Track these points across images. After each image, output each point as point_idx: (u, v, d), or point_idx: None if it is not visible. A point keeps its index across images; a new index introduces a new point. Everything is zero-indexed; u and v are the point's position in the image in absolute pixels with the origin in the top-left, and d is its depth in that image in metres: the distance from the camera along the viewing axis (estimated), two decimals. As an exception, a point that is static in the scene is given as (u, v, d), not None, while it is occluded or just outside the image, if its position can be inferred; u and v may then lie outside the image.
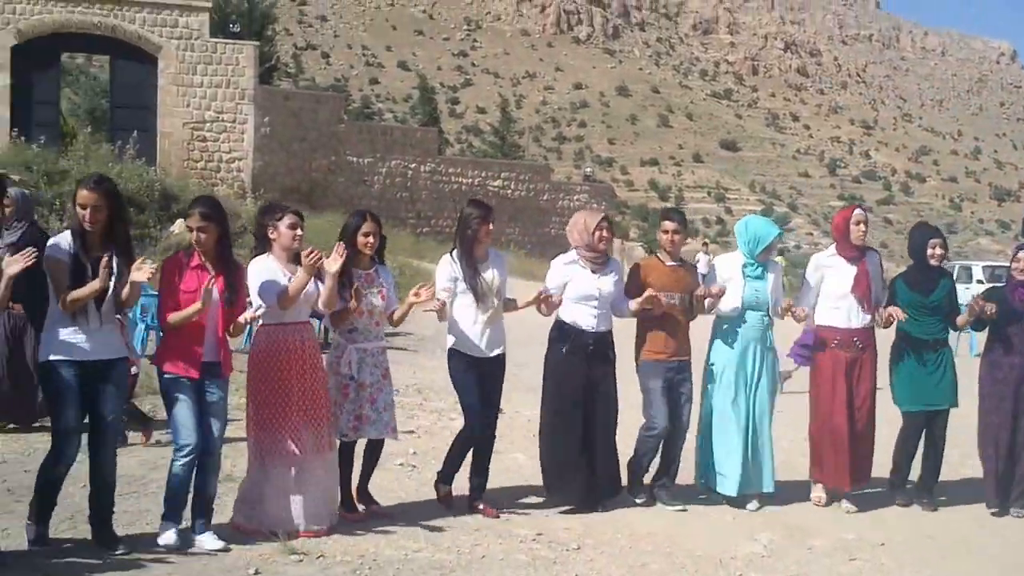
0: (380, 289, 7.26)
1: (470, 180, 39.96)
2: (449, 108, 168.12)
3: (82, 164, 25.27)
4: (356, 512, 7.37)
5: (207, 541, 6.48)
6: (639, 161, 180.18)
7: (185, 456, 6.40)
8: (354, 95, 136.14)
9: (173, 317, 6.32)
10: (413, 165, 38.14)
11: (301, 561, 6.39)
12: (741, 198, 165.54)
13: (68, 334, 6.08)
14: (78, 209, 6.11)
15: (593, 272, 7.83)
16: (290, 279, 6.72)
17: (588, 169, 78.92)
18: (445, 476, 7.76)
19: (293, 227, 6.76)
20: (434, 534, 7.12)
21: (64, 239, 6.14)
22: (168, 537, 6.42)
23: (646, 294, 7.74)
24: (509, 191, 40.69)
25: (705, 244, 28.34)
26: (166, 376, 6.45)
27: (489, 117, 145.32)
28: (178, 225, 23.11)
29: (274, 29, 51.05)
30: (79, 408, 6.17)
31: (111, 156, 26.72)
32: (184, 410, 6.40)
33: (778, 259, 9.63)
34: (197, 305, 6.20)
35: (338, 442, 7.21)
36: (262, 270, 6.79)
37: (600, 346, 7.84)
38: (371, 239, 7.19)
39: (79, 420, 6.19)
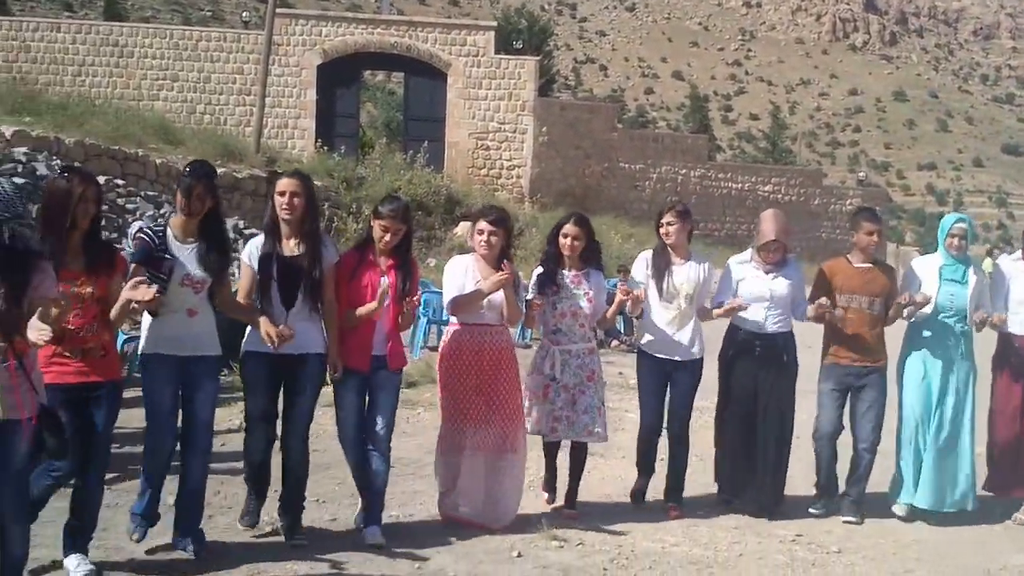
0: (587, 292, 6.87)
1: (740, 185, 39.36)
2: (722, 115, 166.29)
3: (377, 172, 26.38)
4: (549, 505, 7.15)
5: (369, 535, 6.30)
6: (916, 166, 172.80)
7: (344, 451, 6.34)
8: (629, 105, 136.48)
9: (350, 316, 6.12)
10: (683, 171, 37.91)
11: (561, 547, 6.41)
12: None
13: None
14: (276, 197, 5.93)
15: (767, 273, 7.29)
16: (478, 282, 6.54)
17: (862, 174, 76.44)
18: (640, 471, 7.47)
19: (481, 233, 6.55)
20: (692, 530, 6.94)
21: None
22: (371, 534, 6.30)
23: (817, 303, 7.16)
24: (779, 195, 39.78)
25: (992, 251, 26.75)
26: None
27: (761, 124, 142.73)
28: (461, 227, 23.83)
29: (555, 44, 51.74)
30: (269, 396, 6.07)
31: (403, 164, 27.67)
32: (349, 404, 6.28)
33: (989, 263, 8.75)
34: (372, 305, 6.01)
35: (538, 440, 7.08)
36: (456, 270, 6.65)
37: (770, 349, 7.29)
38: (571, 241, 6.79)
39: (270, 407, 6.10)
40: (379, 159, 27.92)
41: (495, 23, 32.56)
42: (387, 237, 6.15)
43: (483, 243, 6.51)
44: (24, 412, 4.63)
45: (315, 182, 18.29)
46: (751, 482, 7.31)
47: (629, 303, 6.91)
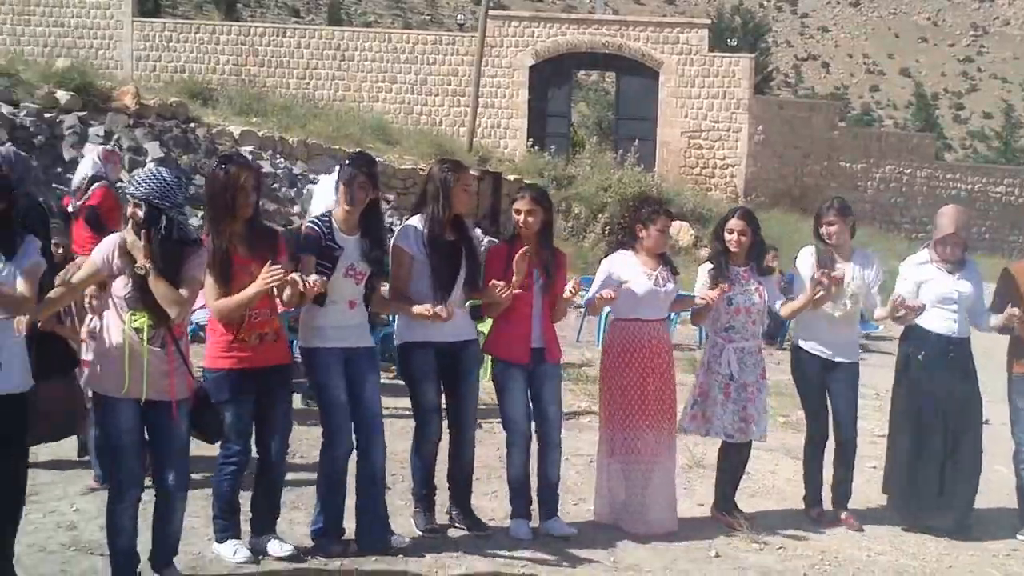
0: (757, 287, 6.71)
1: (969, 186, 37.64)
2: (953, 114, 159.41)
3: (587, 170, 26.53)
4: (727, 518, 6.85)
5: (556, 528, 6.32)
6: None
7: (514, 448, 6.29)
8: (853, 103, 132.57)
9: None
10: (908, 171, 36.51)
11: (761, 550, 6.34)
12: None
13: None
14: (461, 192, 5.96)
15: (950, 273, 6.88)
16: (655, 279, 6.48)
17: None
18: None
19: (663, 231, 6.51)
20: (898, 538, 6.74)
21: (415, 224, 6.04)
22: (519, 529, 6.29)
23: (1006, 313, 6.65)
24: (1012, 197, 37.90)
25: None
26: (497, 364, 6.34)
27: (994, 122, 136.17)
28: (672, 226, 23.70)
29: (773, 41, 50.80)
30: (437, 387, 6.06)
31: (613, 163, 27.73)
32: (517, 397, 6.23)
33: None
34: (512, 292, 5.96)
35: (721, 441, 6.85)
36: (618, 265, 6.56)
37: (960, 355, 6.90)
38: (737, 236, 6.64)
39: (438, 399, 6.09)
40: (589, 158, 28.05)
41: (709, 21, 32.21)
42: (528, 220, 6.11)
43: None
44: (176, 394, 4.89)
45: (527, 181, 18.84)
46: (934, 497, 6.87)
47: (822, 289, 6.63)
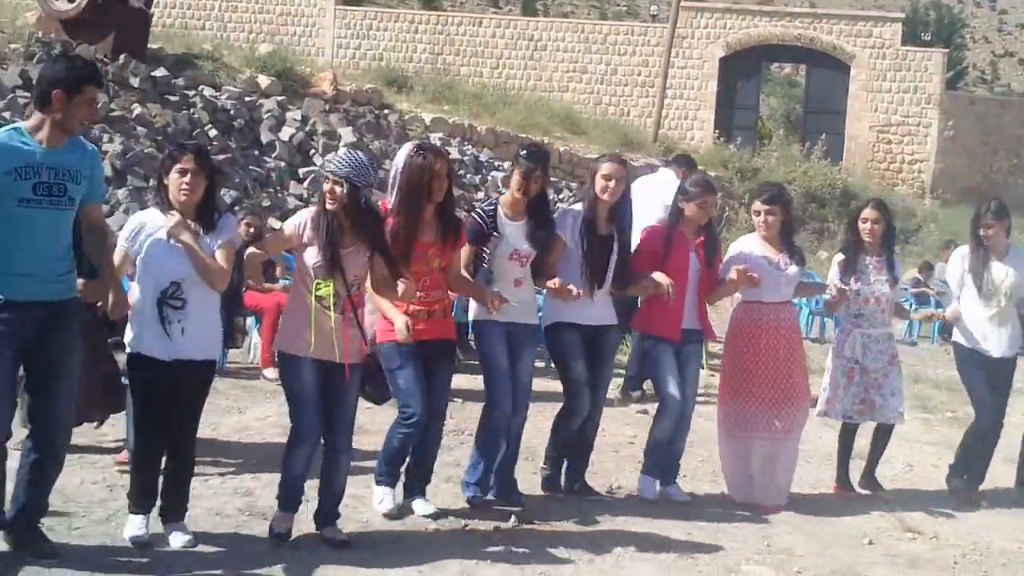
0: (888, 278, 6.89)
1: None
2: None
3: (773, 163, 25.60)
4: (852, 491, 7.13)
5: (674, 492, 6.65)
6: None
7: (666, 417, 6.51)
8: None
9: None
10: (1106, 170, 34.03)
11: (914, 539, 6.31)
12: None
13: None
14: (599, 180, 6.14)
15: None
16: (777, 263, 6.61)
17: None
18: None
19: (758, 213, 6.63)
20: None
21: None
22: (649, 488, 6.58)
23: None
24: None
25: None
26: (648, 339, 6.66)
27: None
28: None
29: (970, 37, 48.26)
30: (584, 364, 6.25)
31: (800, 156, 26.69)
32: (669, 369, 6.46)
33: None
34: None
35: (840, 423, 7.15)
36: (745, 247, 6.72)
37: None
38: (870, 225, 6.86)
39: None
40: (775, 150, 27.07)
41: (903, 14, 30.61)
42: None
43: (762, 223, 6.59)
44: (350, 357, 5.21)
45: (711, 173, 18.18)
46: None
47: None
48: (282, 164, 14.39)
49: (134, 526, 5.10)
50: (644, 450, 6.69)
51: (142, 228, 5.07)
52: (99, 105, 5.31)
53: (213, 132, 13.94)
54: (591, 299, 6.16)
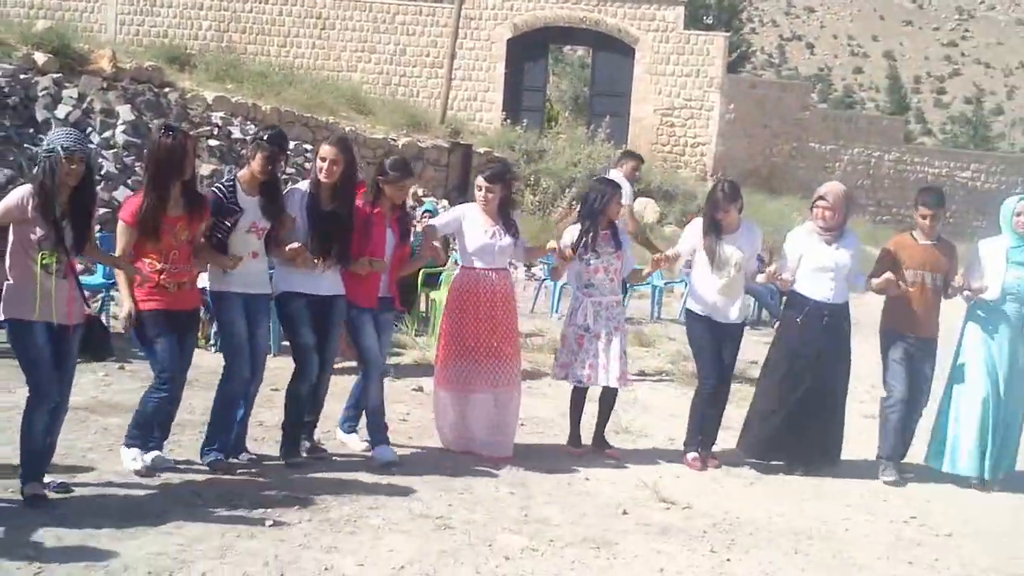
0: (617, 251, 7.83)
1: (936, 170, 38.03)
2: (935, 98, 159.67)
3: (558, 145, 26.80)
4: (580, 448, 7.99)
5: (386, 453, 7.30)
6: None
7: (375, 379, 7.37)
8: (836, 84, 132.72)
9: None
10: (877, 153, 36.86)
11: (668, 509, 6.74)
12: None
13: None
14: (318, 161, 6.85)
15: (828, 244, 7.71)
16: (492, 233, 7.53)
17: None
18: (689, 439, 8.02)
19: (479, 189, 7.51)
20: (798, 499, 7.18)
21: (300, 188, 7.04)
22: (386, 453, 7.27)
23: (883, 276, 7.68)
24: (978, 182, 38.32)
25: None
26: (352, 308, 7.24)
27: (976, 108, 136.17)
28: (637, 203, 24.04)
29: (759, 20, 50.81)
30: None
31: (583, 138, 27.97)
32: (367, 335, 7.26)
33: None
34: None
35: (573, 386, 7.91)
36: (464, 218, 7.64)
37: (835, 318, 7.74)
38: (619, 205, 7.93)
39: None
40: (561, 132, 28.28)
41: (686, -1, 32.43)
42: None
43: (482, 198, 7.52)
44: (73, 319, 5.87)
45: (496, 154, 19.17)
46: (795, 436, 7.80)
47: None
48: (59, 143, 14.63)
49: None
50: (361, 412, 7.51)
51: None
52: None
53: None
54: (320, 271, 6.82)
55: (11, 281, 5.70)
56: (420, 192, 18.74)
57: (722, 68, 31.75)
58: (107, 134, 15.36)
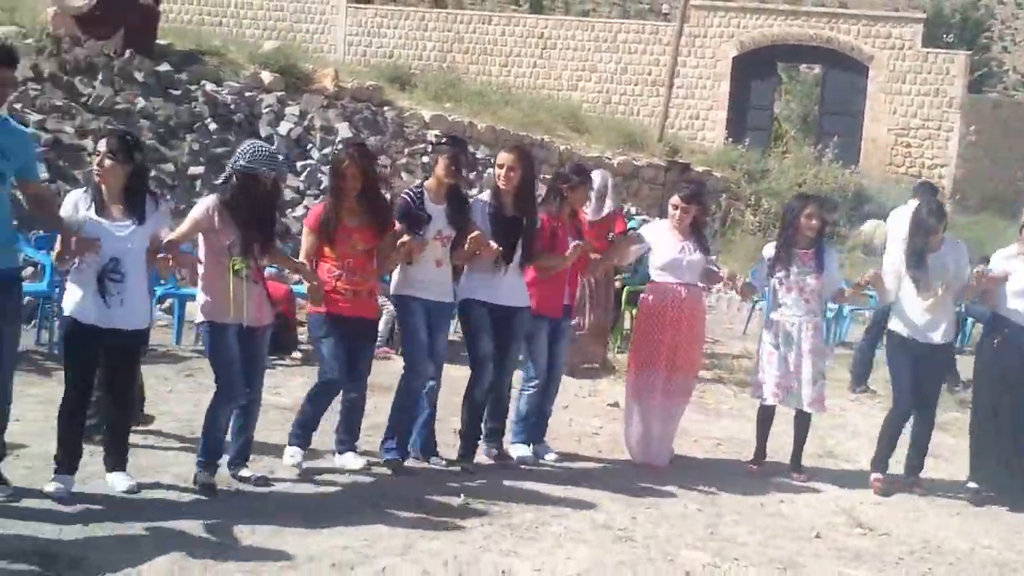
0: (814, 270, 7.71)
1: None
2: None
3: (783, 164, 26.38)
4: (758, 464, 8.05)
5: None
6: None
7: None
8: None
9: None
10: None
11: (864, 535, 6.67)
12: None
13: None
14: (496, 169, 7.06)
15: None
16: (682, 248, 7.70)
17: None
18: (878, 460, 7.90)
19: (501, 167, 7.23)
20: (1007, 532, 6.95)
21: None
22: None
23: None
24: None
25: None
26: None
27: None
28: (868, 224, 23.38)
29: (990, 38, 48.67)
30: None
31: (810, 158, 27.45)
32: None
33: None
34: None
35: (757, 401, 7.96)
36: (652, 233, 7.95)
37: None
38: (812, 222, 7.66)
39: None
40: (786, 152, 27.81)
41: (924, 15, 31.36)
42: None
43: (676, 217, 7.66)
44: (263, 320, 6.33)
45: (716, 174, 19.22)
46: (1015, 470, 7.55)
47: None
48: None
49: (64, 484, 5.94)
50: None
51: (76, 205, 5.85)
52: (14, 87, 6.22)
53: (213, 126, 15.08)
54: (501, 276, 7.04)
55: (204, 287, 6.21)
56: (633, 210, 18.77)
57: (963, 87, 30.55)
58: (326, 150, 16.10)
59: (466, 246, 6.84)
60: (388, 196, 7.40)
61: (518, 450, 7.60)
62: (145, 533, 5.54)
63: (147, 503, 6.00)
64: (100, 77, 14.97)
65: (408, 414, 7.03)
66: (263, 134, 15.54)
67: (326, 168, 15.35)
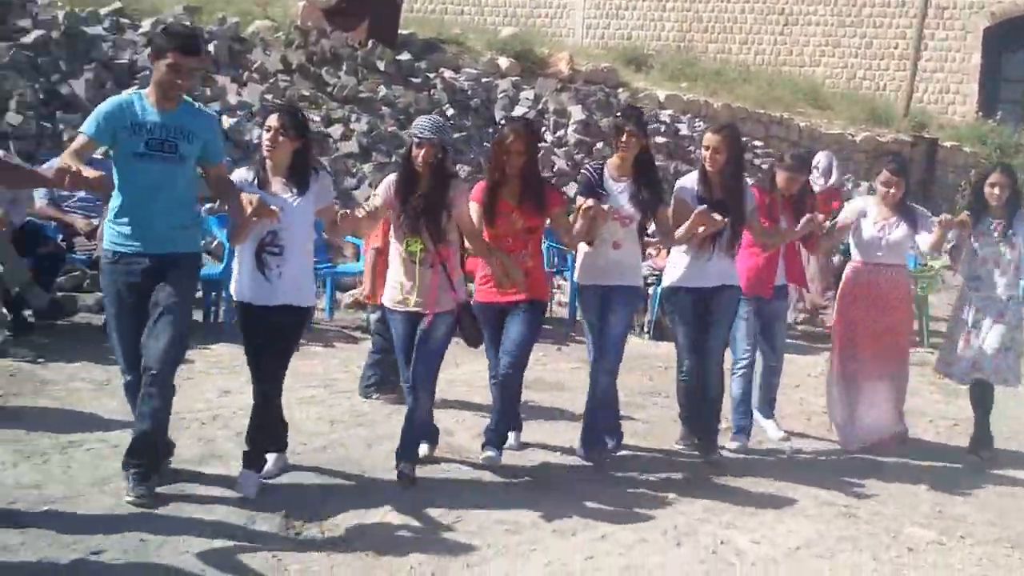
0: (1007, 241, 7.35)
1: None
2: None
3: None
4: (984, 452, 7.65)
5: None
6: None
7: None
8: None
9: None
10: None
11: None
12: None
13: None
14: (703, 151, 6.88)
15: None
16: (883, 226, 7.47)
17: None
18: None
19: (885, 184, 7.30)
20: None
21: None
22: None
23: None
24: None
25: None
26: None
27: None
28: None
29: None
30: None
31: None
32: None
33: None
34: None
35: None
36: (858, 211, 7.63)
37: None
38: (996, 190, 7.30)
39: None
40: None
41: None
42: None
43: (884, 192, 7.45)
44: (437, 307, 6.11)
45: (965, 149, 18.49)
46: None
47: None
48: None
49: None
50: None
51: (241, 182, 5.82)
52: (195, 74, 6.52)
53: (451, 111, 15.75)
54: (707, 260, 6.78)
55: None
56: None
57: None
58: (560, 133, 16.54)
59: (697, 211, 6.55)
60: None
61: (737, 439, 7.47)
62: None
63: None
64: (344, 67, 15.90)
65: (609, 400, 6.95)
66: (497, 118, 16.09)
67: (560, 151, 15.87)
